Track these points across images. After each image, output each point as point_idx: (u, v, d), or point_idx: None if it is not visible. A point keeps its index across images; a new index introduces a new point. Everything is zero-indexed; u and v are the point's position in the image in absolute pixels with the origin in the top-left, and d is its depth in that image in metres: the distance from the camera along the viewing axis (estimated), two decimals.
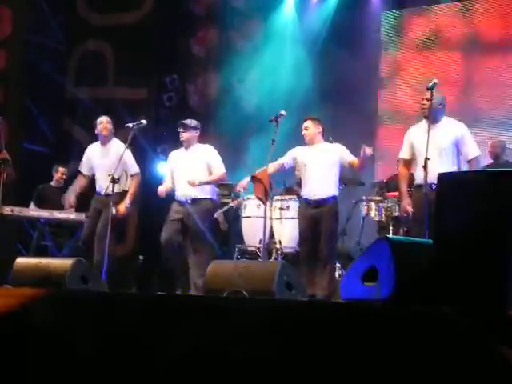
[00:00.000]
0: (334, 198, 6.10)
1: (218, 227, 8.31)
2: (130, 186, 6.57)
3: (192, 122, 6.47)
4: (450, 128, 5.51)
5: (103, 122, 6.72)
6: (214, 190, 6.50)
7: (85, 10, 9.80)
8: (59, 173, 8.07)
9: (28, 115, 9.39)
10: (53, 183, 8.12)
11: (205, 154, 6.40)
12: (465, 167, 5.49)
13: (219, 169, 6.36)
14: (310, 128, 6.22)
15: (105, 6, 9.80)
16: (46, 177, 8.17)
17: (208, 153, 6.41)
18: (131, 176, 6.59)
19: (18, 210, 7.60)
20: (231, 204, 8.11)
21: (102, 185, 6.52)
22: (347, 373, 2.51)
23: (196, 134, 6.45)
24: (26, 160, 8.86)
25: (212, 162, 6.36)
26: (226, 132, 9.69)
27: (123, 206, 6.43)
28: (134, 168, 6.63)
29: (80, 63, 9.76)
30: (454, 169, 5.34)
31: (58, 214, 7.55)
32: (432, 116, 5.38)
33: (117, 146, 6.68)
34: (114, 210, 6.22)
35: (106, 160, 6.64)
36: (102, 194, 6.45)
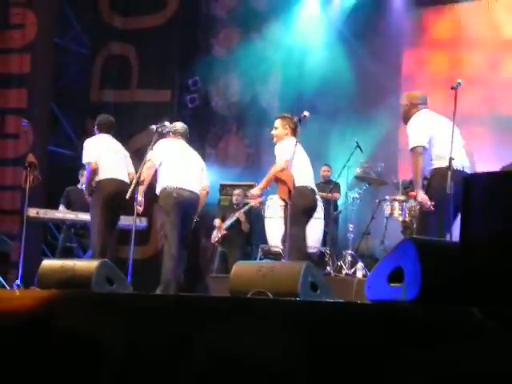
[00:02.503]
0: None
1: (239, 227, 8.34)
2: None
3: None
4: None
5: None
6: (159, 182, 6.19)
7: (108, 14, 9.89)
8: (84, 177, 8.11)
9: (53, 119, 9.49)
10: (79, 185, 8.17)
11: None
12: (432, 162, 5.13)
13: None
14: (279, 128, 5.95)
15: (128, 9, 9.88)
16: (72, 179, 8.24)
17: None
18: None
19: (43, 212, 7.69)
20: (251, 204, 8.11)
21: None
22: (373, 374, 2.50)
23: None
24: (51, 163, 8.96)
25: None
26: (249, 133, 9.72)
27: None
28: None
29: (104, 66, 9.85)
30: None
31: (83, 216, 7.61)
32: (402, 118, 5.39)
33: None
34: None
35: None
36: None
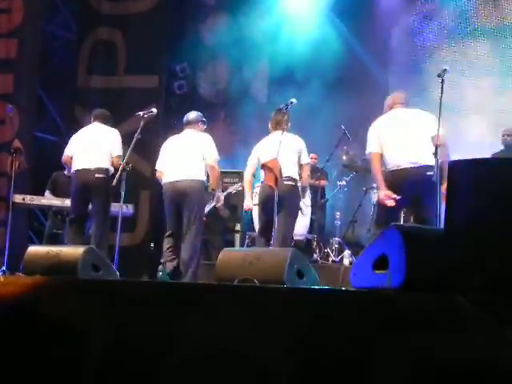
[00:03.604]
0: None
1: (218, 214, 8.31)
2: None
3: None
4: None
5: None
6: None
7: None
8: None
9: (39, 104, 9.42)
10: (65, 171, 8.11)
11: None
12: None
13: None
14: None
15: None
16: (59, 165, 8.18)
17: None
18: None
19: (29, 199, 7.65)
20: (229, 190, 8.09)
21: None
22: (358, 360, 2.52)
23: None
24: (37, 149, 8.91)
25: None
26: (237, 120, 9.69)
27: None
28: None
29: (91, 52, 9.76)
30: None
31: (69, 202, 7.57)
32: None
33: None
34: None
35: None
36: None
